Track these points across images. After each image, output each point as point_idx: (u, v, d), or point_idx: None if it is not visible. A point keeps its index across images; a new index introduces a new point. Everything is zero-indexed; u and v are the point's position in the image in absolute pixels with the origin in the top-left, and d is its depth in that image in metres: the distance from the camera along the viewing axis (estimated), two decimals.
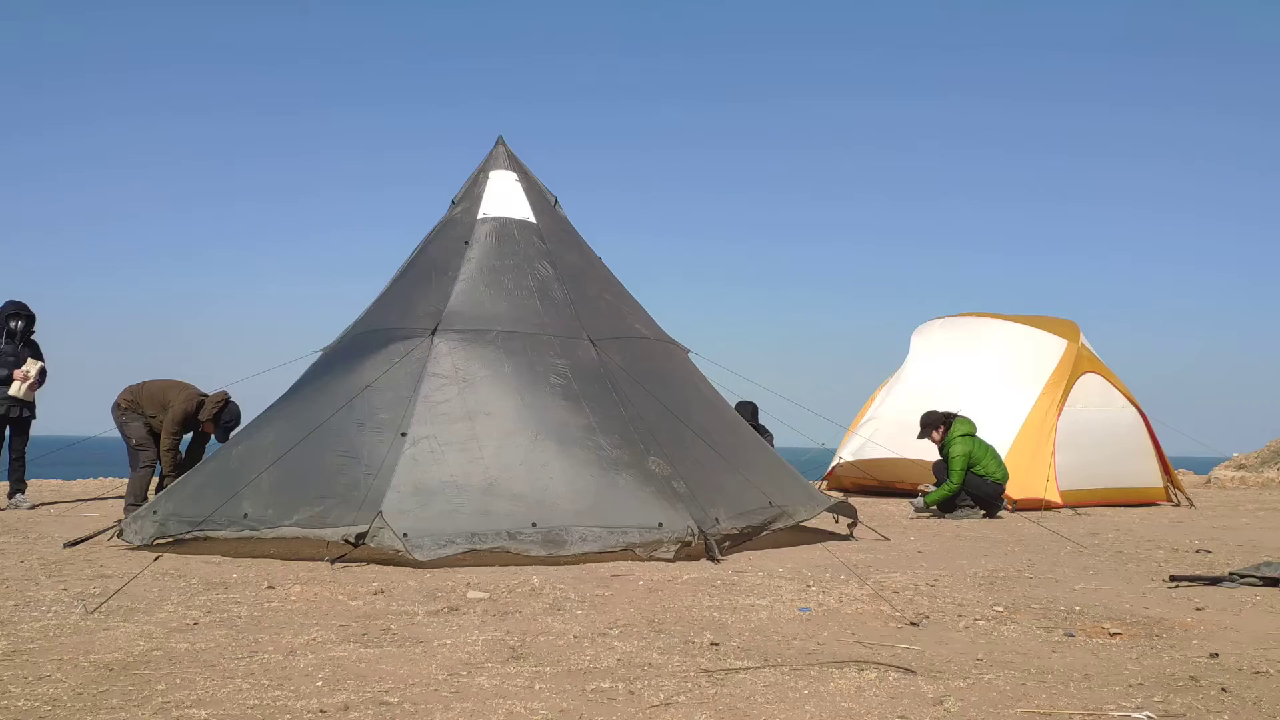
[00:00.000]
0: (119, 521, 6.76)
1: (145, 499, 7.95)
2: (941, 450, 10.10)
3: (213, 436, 8.55)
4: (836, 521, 7.78)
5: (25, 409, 9.24)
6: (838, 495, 10.42)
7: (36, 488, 11.32)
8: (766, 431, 11.13)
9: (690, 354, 8.39)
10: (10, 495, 9.38)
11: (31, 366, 9.17)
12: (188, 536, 6.28)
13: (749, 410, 11.09)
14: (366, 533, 5.73)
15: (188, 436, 8.61)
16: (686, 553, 6.09)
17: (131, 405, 8.50)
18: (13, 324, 9.25)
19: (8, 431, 9.26)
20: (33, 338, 9.42)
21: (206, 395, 8.49)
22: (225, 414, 8.42)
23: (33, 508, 9.24)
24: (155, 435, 8.45)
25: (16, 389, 9.09)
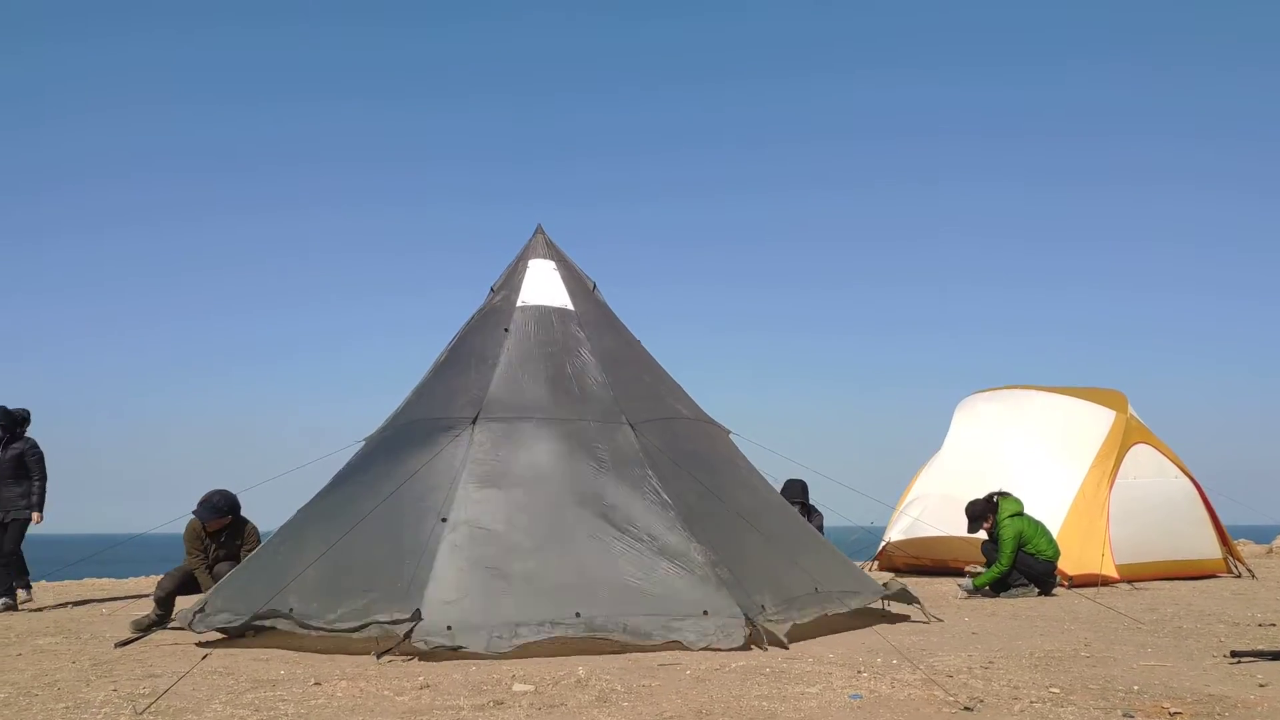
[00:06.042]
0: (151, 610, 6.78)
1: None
2: (990, 532, 9.95)
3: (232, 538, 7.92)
4: (885, 606, 7.65)
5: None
6: (888, 575, 10.28)
7: (90, 586, 11.46)
8: (816, 511, 10.95)
9: (731, 435, 8.38)
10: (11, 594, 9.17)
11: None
12: (241, 633, 6.31)
13: (799, 488, 10.89)
14: (411, 631, 5.72)
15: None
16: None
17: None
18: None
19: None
20: None
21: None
22: (209, 499, 7.81)
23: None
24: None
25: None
